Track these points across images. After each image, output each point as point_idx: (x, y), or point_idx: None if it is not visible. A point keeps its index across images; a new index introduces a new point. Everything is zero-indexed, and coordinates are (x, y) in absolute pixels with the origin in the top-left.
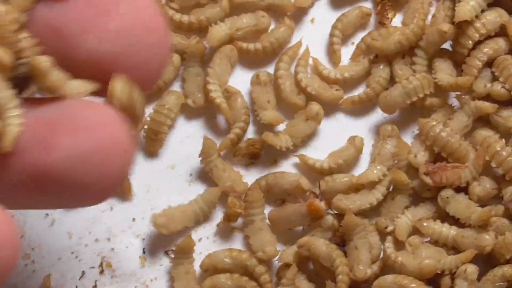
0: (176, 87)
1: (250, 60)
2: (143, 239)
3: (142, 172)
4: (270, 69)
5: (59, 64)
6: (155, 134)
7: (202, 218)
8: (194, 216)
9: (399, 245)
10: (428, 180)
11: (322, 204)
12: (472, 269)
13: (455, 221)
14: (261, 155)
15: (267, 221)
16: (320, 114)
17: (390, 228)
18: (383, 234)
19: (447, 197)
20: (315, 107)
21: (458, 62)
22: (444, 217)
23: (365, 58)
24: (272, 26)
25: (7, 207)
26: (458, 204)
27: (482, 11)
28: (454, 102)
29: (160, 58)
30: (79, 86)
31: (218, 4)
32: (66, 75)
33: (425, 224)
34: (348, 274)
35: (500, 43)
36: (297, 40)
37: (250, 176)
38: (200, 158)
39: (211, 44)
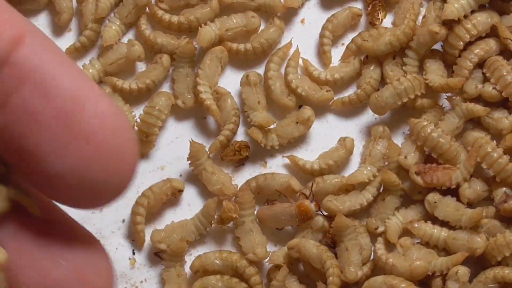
0: (165, 87)
1: (240, 60)
2: (133, 240)
3: None
4: (260, 70)
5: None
6: (146, 136)
7: (204, 231)
8: (197, 230)
9: (390, 246)
10: (419, 180)
11: (312, 205)
12: (463, 271)
13: (445, 223)
14: (249, 157)
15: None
16: (311, 120)
17: (380, 229)
18: (373, 235)
19: (435, 202)
20: (308, 112)
21: (449, 63)
22: (435, 218)
23: (356, 59)
24: (262, 27)
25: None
26: (446, 208)
27: (473, 12)
28: (445, 103)
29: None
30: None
31: (207, 5)
32: None
33: (416, 225)
34: (339, 276)
35: (491, 44)
36: (287, 41)
37: (240, 177)
38: (189, 162)
39: (201, 45)
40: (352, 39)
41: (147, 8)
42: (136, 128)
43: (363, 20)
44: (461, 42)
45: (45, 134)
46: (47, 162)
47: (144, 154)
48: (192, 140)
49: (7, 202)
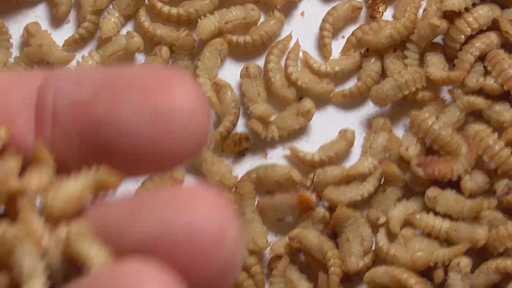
0: None
1: (240, 53)
2: None
3: None
4: (260, 62)
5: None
6: None
7: None
8: None
9: (391, 237)
10: (420, 172)
11: (313, 197)
12: (465, 262)
13: (447, 215)
14: (249, 148)
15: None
16: (311, 112)
17: (381, 220)
18: (374, 227)
19: (434, 197)
20: (308, 104)
21: (450, 56)
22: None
23: (356, 51)
24: (262, 19)
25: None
26: (447, 201)
27: (474, 5)
28: (446, 96)
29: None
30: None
31: None
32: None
33: (417, 216)
34: (340, 266)
35: (492, 37)
36: (287, 34)
37: (240, 168)
38: None
39: (200, 37)
40: (353, 32)
41: (146, 0)
42: None
43: (363, 13)
44: (462, 36)
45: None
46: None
47: None
48: None
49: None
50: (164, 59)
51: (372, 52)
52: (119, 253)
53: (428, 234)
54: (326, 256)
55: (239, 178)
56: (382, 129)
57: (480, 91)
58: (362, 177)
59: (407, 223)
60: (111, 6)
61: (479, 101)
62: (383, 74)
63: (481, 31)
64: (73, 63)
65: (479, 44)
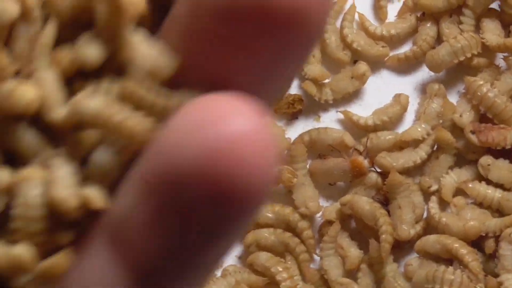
0: None
1: None
2: None
3: None
4: None
5: None
6: None
7: None
8: None
9: (443, 205)
10: (474, 139)
11: (365, 162)
12: None
13: (500, 184)
14: (302, 111)
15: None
16: (366, 75)
17: (433, 188)
18: (426, 194)
19: (488, 165)
20: (363, 67)
21: (506, 23)
22: (489, 179)
23: (412, 15)
24: None
25: None
26: (500, 170)
27: None
28: (501, 63)
29: None
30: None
31: None
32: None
33: (470, 185)
34: (392, 234)
35: None
36: None
37: (293, 131)
38: None
39: None
40: None
41: None
42: None
43: None
44: None
45: None
46: None
47: None
48: None
49: None
50: None
51: (428, 16)
52: None
53: (480, 204)
54: (378, 223)
55: (292, 140)
56: (437, 95)
57: None
58: (415, 143)
59: (459, 191)
60: None
61: None
62: (438, 39)
63: None
64: None
65: None
